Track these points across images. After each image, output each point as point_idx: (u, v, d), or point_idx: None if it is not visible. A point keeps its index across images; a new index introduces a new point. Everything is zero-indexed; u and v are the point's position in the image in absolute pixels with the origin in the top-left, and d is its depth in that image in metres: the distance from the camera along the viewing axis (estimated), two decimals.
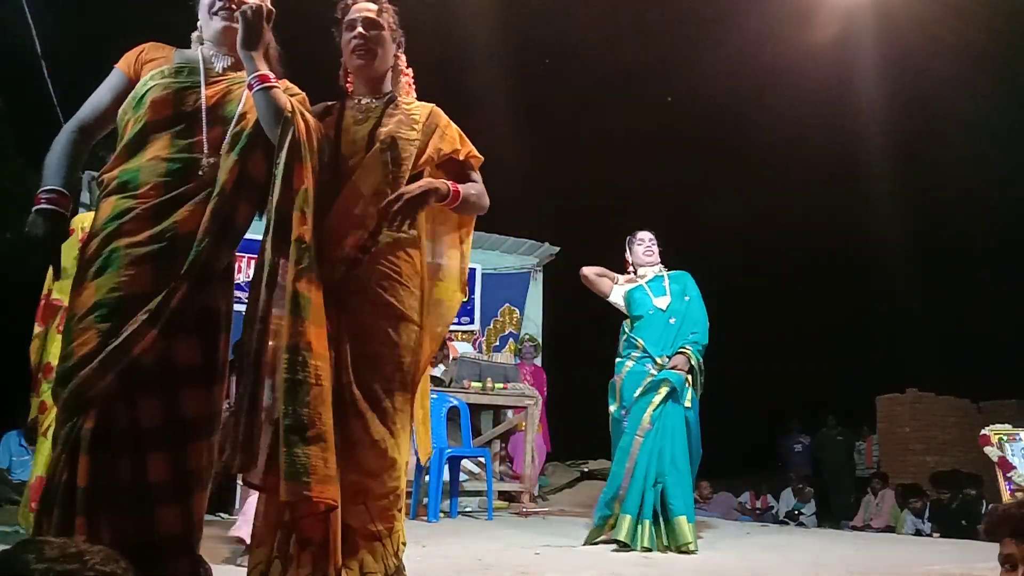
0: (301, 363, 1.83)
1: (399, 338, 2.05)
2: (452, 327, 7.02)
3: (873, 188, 11.86)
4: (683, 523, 3.97)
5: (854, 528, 8.68)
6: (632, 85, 10.92)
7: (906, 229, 12.10)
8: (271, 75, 1.99)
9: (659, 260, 4.60)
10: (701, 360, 4.34)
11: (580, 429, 7.50)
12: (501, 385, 6.32)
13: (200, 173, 1.94)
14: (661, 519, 4.05)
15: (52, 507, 1.76)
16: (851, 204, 12.28)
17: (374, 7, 2.21)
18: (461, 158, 2.27)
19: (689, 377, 4.27)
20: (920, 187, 11.49)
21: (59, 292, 3.24)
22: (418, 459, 5.03)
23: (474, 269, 7.99)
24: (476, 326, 8.33)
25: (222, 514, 4.90)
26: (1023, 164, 10.04)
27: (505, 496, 6.33)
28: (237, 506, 4.82)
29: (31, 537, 1.59)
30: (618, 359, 4.50)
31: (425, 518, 5.10)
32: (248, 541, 2.44)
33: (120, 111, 2.02)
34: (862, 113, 10.71)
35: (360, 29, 2.18)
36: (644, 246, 4.59)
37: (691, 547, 3.91)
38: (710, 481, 9.35)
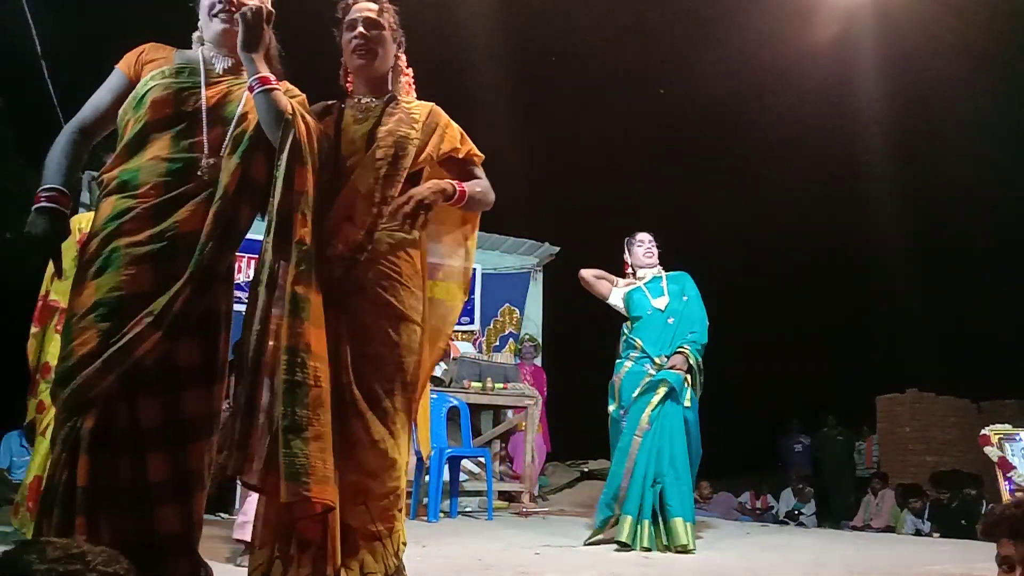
0: (300, 364, 1.83)
1: (399, 338, 2.05)
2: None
3: (873, 188, 11.85)
4: (679, 524, 3.97)
5: (854, 528, 8.69)
6: (632, 85, 10.91)
7: (906, 229, 12.09)
8: (271, 77, 1.99)
9: (658, 262, 4.60)
10: (700, 360, 4.33)
11: (580, 429, 7.49)
12: (501, 385, 6.32)
13: (200, 173, 1.95)
14: (660, 519, 4.05)
15: (52, 507, 1.76)
16: (851, 204, 12.28)
17: (375, 7, 2.22)
18: (461, 156, 2.27)
19: (688, 377, 4.27)
20: (920, 187, 11.49)
21: (57, 293, 3.24)
22: (419, 459, 5.08)
23: (474, 269, 7.98)
24: (476, 326, 8.33)
25: (222, 514, 4.90)
26: (1023, 164, 10.03)
27: (505, 496, 6.33)
28: (237, 506, 4.82)
29: (33, 537, 1.59)
30: (617, 360, 4.51)
31: (425, 518, 5.10)
32: (248, 541, 2.44)
33: (120, 111, 2.02)
34: (862, 113, 10.70)
35: (361, 29, 2.18)
36: (644, 248, 4.59)
37: (688, 547, 3.91)
38: (710, 481, 9.35)
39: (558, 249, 8.95)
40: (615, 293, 4.62)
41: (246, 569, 2.00)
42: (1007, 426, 5.25)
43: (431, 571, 3.04)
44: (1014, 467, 4.97)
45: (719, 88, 10.32)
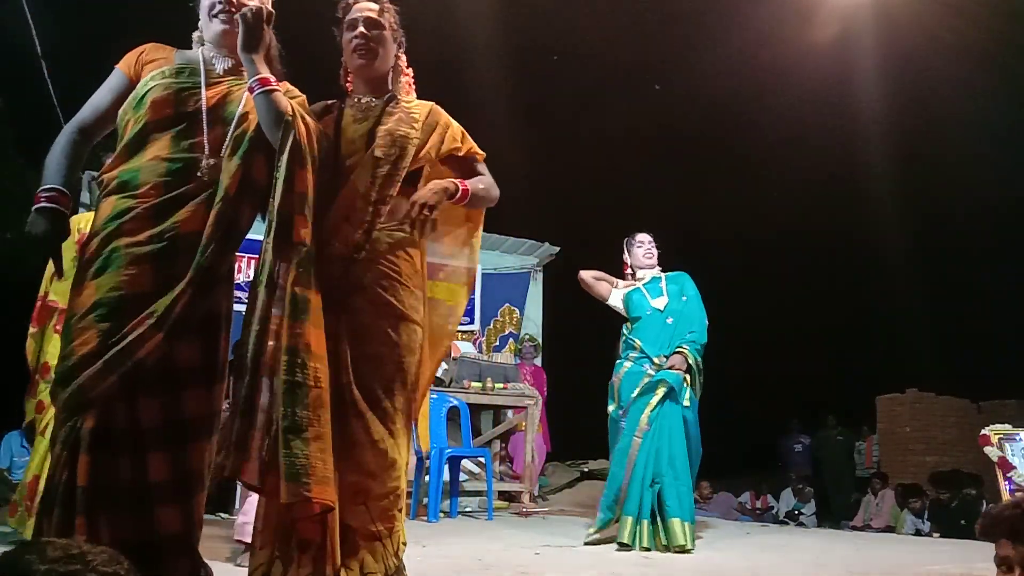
0: (300, 365, 1.83)
1: (399, 338, 2.05)
2: None
3: (873, 188, 11.85)
4: (676, 524, 3.98)
5: (854, 528, 8.69)
6: (632, 85, 10.92)
7: (906, 229, 12.10)
8: (271, 78, 1.99)
9: (657, 262, 4.60)
10: (699, 359, 4.33)
11: (580, 429, 7.49)
12: (501, 385, 6.32)
13: (200, 174, 1.95)
14: (659, 519, 4.05)
15: (52, 507, 1.76)
16: (851, 204, 12.28)
17: (375, 7, 2.21)
18: (463, 154, 2.27)
19: (687, 377, 4.27)
20: (920, 187, 11.49)
21: (56, 294, 3.24)
22: (419, 459, 5.08)
23: None
24: (476, 326, 8.33)
25: (222, 514, 4.90)
26: (1023, 164, 10.03)
27: (505, 496, 6.33)
28: (237, 506, 4.82)
29: (33, 537, 1.59)
30: (617, 360, 4.51)
31: (425, 518, 5.10)
32: (248, 541, 2.44)
33: (120, 111, 2.02)
34: (862, 113, 10.71)
35: (362, 29, 2.18)
36: (644, 248, 4.58)
37: (686, 547, 3.92)
38: (710, 481, 9.35)
39: (558, 249, 8.94)
40: (615, 294, 4.62)
41: (246, 569, 2.00)
42: (1007, 426, 5.24)
43: (431, 571, 3.04)
44: (1014, 467, 4.97)
45: (719, 88, 10.33)
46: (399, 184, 2.11)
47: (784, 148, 11.11)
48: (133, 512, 1.81)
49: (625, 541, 3.98)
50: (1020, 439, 5.07)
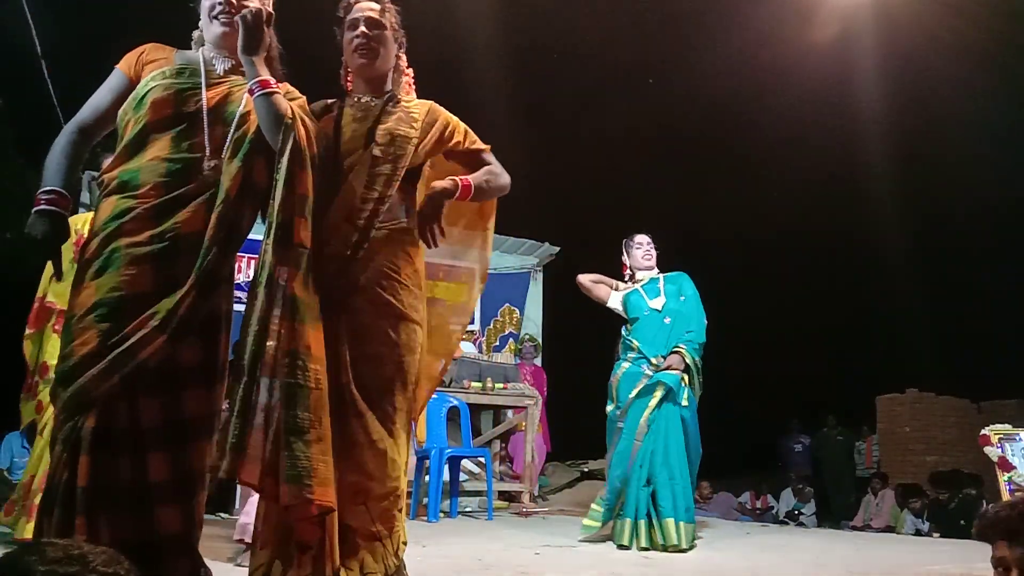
0: (301, 367, 1.83)
1: (399, 337, 2.05)
2: None
3: (873, 188, 11.85)
4: (670, 524, 3.98)
5: (854, 528, 8.69)
6: (632, 85, 10.92)
7: (906, 229, 12.09)
8: (271, 80, 1.99)
9: (657, 263, 4.60)
10: (698, 359, 4.33)
11: (580, 429, 7.49)
12: (501, 385, 6.32)
13: (201, 175, 1.95)
14: (654, 519, 4.05)
15: (52, 507, 1.76)
16: (851, 204, 12.28)
17: (377, 7, 2.22)
18: (465, 148, 2.27)
19: (685, 376, 4.27)
20: (920, 187, 11.49)
21: (54, 295, 3.24)
22: (419, 459, 5.07)
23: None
24: (476, 326, 8.33)
25: (222, 514, 4.90)
26: (1023, 164, 10.03)
27: (505, 496, 6.33)
28: (237, 506, 4.82)
29: (34, 537, 1.59)
30: (616, 361, 4.51)
31: (425, 518, 5.10)
32: (248, 541, 2.44)
33: (120, 112, 2.02)
34: (862, 113, 10.70)
35: (363, 28, 2.18)
36: (643, 250, 4.58)
37: (680, 547, 3.92)
38: (710, 481, 9.34)
39: (558, 249, 8.94)
40: (614, 297, 4.62)
41: (246, 569, 2.00)
42: (1007, 426, 5.24)
43: (431, 571, 3.04)
44: (1014, 467, 4.97)
45: (719, 88, 10.33)
46: (398, 183, 2.11)
47: (784, 148, 11.10)
48: (133, 512, 1.81)
49: (624, 543, 3.99)
50: (1020, 439, 5.07)
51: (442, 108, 2.27)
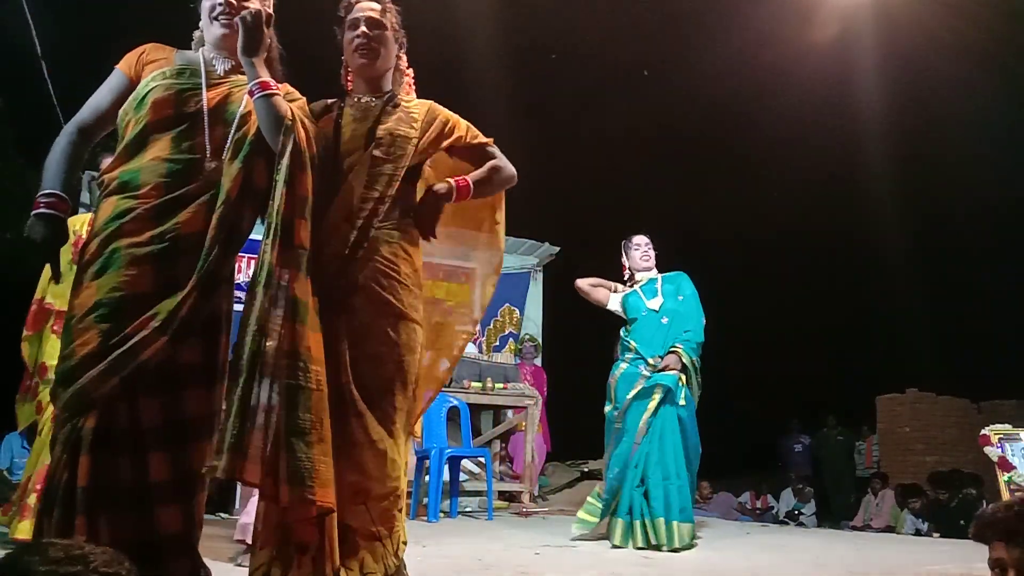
0: (302, 368, 1.83)
1: (399, 337, 2.05)
2: None
3: (873, 188, 11.86)
4: (661, 525, 3.98)
5: (854, 528, 8.69)
6: (632, 85, 10.92)
7: (906, 229, 12.10)
8: (271, 82, 1.99)
9: (656, 264, 4.60)
10: (696, 358, 4.32)
11: (580, 429, 7.48)
12: (501, 385, 6.32)
13: (201, 175, 1.95)
14: (647, 519, 4.05)
15: (52, 507, 1.76)
16: (851, 204, 12.29)
17: (377, 7, 2.22)
18: (467, 142, 2.27)
19: (683, 376, 4.26)
20: (920, 187, 11.49)
21: (53, 297, 3.24)
22: (419, 458, 5.07)
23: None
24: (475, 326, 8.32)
25: (222, 514, 4.91)
26: (1023, 164, 10.04)
27: (505, 496, 6.33)
28: (237, 506, 4.83)
29: (34, 537, 1.59)
30: (615, 362, 4.52)
31: (425, 518, 5.10)
32: (248, 541, 2.44)
33: (121, 112, 2.02)
34: (862, 113, 10.71)
35: (363, 28, 2.18)
36: (641, 251, 4.58)
37: (673, 545, 3.92)
38: (710, 481, 9.35)
39: (558, 249, 8.94)
40: (613, 299, 4.62)
41: (246, 569, 2.00)
42: (1007, 426, 5.24)
43: (431, 571, 3.04)
44: (1014, 467, 4.97)
45: (719, 88, 10.33)
46: (398, 183, 2.11)
47: (784, 148, 11.11)
48: (133, 512, 1.81)
49: (617, 543, 4.01)
50: (1020, 439, 5.07)
51: (441, 107, 2.27)
